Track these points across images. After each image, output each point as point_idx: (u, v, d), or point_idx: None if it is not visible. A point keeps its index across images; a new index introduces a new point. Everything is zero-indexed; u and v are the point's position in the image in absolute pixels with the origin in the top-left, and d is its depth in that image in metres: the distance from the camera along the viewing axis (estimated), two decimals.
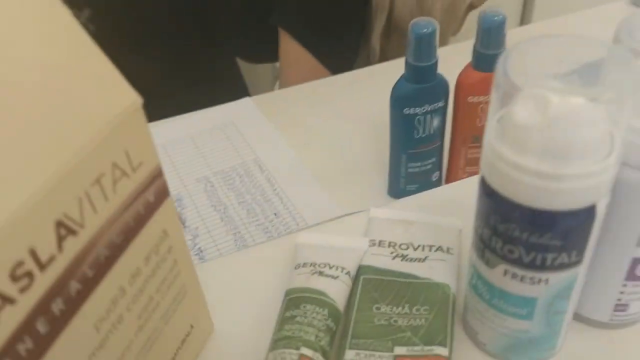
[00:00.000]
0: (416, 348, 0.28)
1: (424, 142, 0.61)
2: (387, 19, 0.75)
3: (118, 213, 0.22)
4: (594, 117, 0.22)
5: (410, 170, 0.54)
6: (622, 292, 0.28)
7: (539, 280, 0.25)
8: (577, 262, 0.24)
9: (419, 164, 0.55)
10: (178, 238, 0.27)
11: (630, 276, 0.27)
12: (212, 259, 0.35)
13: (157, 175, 0.25)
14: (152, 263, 0.25)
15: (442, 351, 0.28)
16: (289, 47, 0.78)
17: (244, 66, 0.96)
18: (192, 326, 0.30)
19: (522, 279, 0.25)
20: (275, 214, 0.56)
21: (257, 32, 0.83)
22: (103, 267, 0.22)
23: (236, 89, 0.91)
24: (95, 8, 0.75)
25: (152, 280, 0.25)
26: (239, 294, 0.33)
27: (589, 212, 0.23)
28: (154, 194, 0.24)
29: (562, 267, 0.24)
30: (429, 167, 0.54)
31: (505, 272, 0.25)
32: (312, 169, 0.62)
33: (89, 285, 0.21)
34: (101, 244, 0.22)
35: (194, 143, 0.68)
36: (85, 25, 0.22)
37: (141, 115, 0.23)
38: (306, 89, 0.74)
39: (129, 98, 0.22)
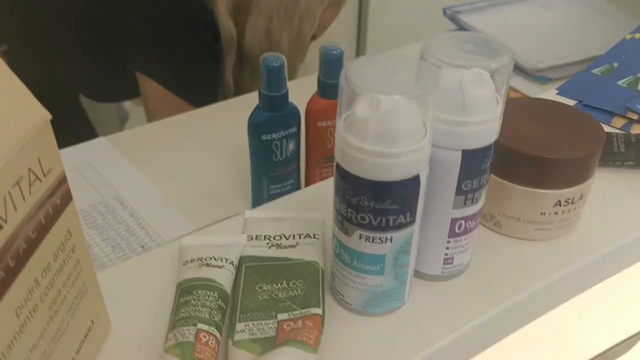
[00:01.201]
0: (295, 312, 0.34)
1: (282, 165, 0.68)
2: (239, 52, 0.81)
3: (33, 212, 0.26)
4: (410, 110, 0.30)
5: (271, 192, 0.58)
6: (447, 248, 0.36)
7: (385, 239, 0.32)
8: (411, 222, 0.32)
9: (279, 185, 0.59)
10: (80, 239, 0.30)
11: (452, 234, 0.35)
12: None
13: (62, 180, 0.28)
14: (59, 259, 0.28)
15: (317, 310, 0.34)
16: (152, 89, 0.81)
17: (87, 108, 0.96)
18: (93, 322, 0.33)
19: (372, 240, 0.32)
20: (142, 247, 0.58)
21: (111, 73, 0.85)
22: (22, 258, 0.25)
23: (85, 130, 0.92)
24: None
25: (60, 275, 0.29)
26: (129, 297, 0.37)
27: (415, 181, 0.31)
28: (60, 197, 0.28)
29: (401, 226, 0.32)
30: (288, 187, 0.59)
31: (360, 237, 0.32)
32: (177, 201, 0.65)
33: (11, 274, 0.24)
34: (20, 238, 0.25)
35: None
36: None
37: (49, 127, 0.27)
38: (160, 125, 0.78)
39: (40, 113, 0.26)
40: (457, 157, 0.32)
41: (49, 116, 0.26)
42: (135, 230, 0.68)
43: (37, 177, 0.26)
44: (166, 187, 0.68)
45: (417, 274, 0.37)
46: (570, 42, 0.74)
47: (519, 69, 0.73)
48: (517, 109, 0.42)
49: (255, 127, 0.64)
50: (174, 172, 0.71)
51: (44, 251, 0.27)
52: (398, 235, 0.32)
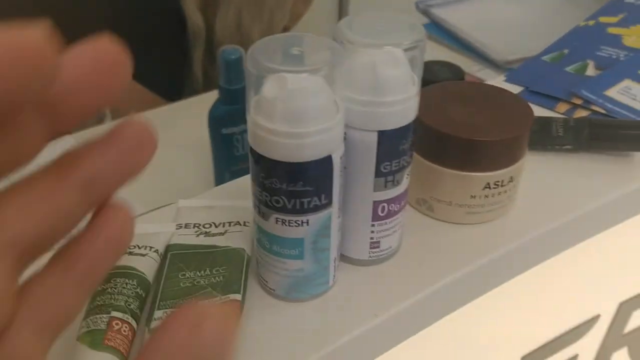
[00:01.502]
0: (215, 298, 0.33)
1: (244, 158, 0.67)
2: (209, 45, 0.81)
3: None
4: (319, 89, 0.29)
5: None
6: (372, 232, 0.36)
7: (302, 222, 0.31)
8: (328, 204, 0.32)
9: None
10: None
11: (375, 217, 0.35)
12: None
13: None
14: None
15: (236, 297, 0.33)
16: None
17: None
18: None
19: (289, 223, 0.31)
20: None
21: None
22: None
23: None
24: None
25: None
26: None
27: (327, 161, 0.30)
28: None
29: (317, 208, 0.31)
30: None
31: (277, 220, 0.32)
32: (139, 198, 0.64)
33: None
34: None
35: None
36: None
37: None
38: None
39: None
40: (374, 138, 0.32)
41: None
42: None
43: None
44: (128, 185, 0.68)
45: (345, 258, 0.37)
46: (542, 34, 0.74)
47: (489, 62, 0.73)
48: (449, 92, 0.41)
49: (216, 120, 0.63)
50: None
51: None
52: (315, 218, 0.32)
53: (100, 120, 1.17)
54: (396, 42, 0.31)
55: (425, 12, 0.81)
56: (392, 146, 0.33)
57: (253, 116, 0.30)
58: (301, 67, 0.29)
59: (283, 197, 0.31)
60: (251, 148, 0.31)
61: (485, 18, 0.81)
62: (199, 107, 0.68)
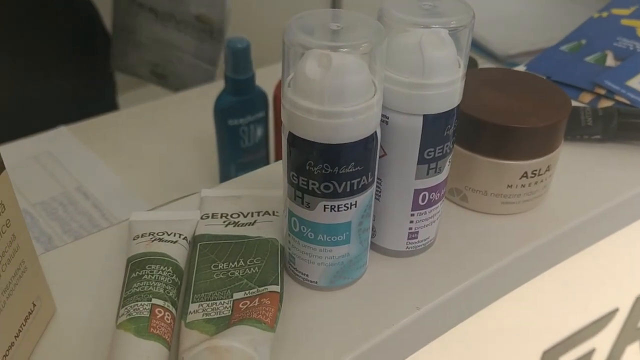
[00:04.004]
0: (252, 290, 0.32)
1: (251, 151, 0.66)
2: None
3: None
4: (359, 67, 0.28)
5: None
6: (411, 222, 0.34)
7: (351, 205, 0.30)
8: (372, 182, 0.31)
9: (248, 172, 0.58)
10: (15, 213, 0.28)
11: (416, 206, 0.34)
12: (44, 254, 0.36)
13: None
14: None
15: (275, 288, 0.32)
16: None
17: None
18: (34, 304, 0.30)
19: (338, 208, 0.30)
20: None
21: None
22: None
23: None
24: None
25: None
26: (76, 278, 0.34)
27: (374, 138, 0.29)
28: None
29: (364, 188, 0.30)
30: None
31: (325, 208, 0.30)
32: (142, 191, 0.62)
33: None
34: None
35: None
36: None
37: None
38: (123, 113, 0.75)
39: None
40: (419, 122, 0.31)
41: None
42: (98, 221, 0.65)
43: None
44: (131, 177, 0.66)
45: (380, 249, 0.36)
46: (542, 28, 0.74)
47: (490, 56, 0.72)
48: (481, 78, 0.40)
49: (222, 112, 0.61)
50: (138, 161, 0.69)
51: None
52: (362, 199, 0.31)
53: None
54: (443, 22, 0.30)
55: None
56: (436, 131, 0.31)
57: (294, 99, 0.28)
58: (343, 43, 0.27)
59: (334, 182, 0.29)
60: (294, 136, 0.29)
61: (486, 13, 0.81)
62: (203, 98, 0.67)
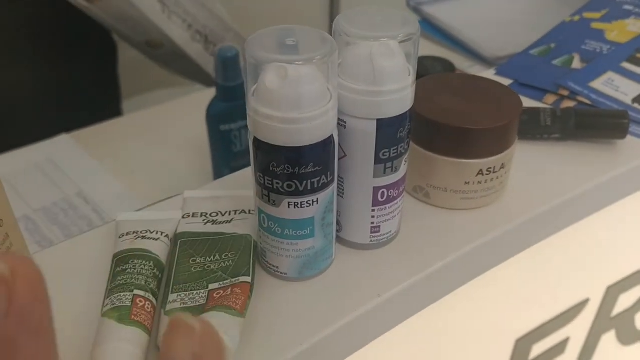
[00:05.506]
0: (226, 281, 0.35)
1: (243, 155, 0.68)
2: None
3: None
4: (313, 77, 0.31)
5: None
6: (373, 217, 0.38)
7: (313, 202, 0.33)
8: (332, 181, 0.34)
9: None
10: (6, 212, 0.31)
11: (376, 202, 0.37)
12: (38, 253, 0.39)
13: None
14: None
15: (246, 279, 0.35)
16: None
17: None
18: None
19: (301, 205, 0.33)
20: None
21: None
22: None
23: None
24: None
25: None
26: (68, 275, 0.38)
27: (330, 141, 0.33)
28: None
29: (324, 186, 0.33)
30: None
31: (289, 205, 0.33)
32: (141, 196, 0.65)
33: None
34: None
35: (9, 183, 0.67)
36: None
37: None
38: (123, 120, 0.78)
39: None
40: (373, 126, 0.34)
41: None
42: (98, 225, 0.68)
43: None
44: (130, 182, 0.69)
45: (347, 243, 0.39)
46: (530, 30, 0.76)
47: (480, 58, 0.75)
48: (442, 84, 0.43)
49: (213, 117, 0.65)
50: (137, 166, 0.72)
51: None
52: (323, 196, 0.34)
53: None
54: (392, 34, 0.33)
55: (416, 10, 0.83)
56: (390, 134, 0.35)
57: (257, 107, 0.32)
58: (298, 56, 0.31)
59: (296, 181, 0.33)
60: (257, 140, 0.33)
61: (476, 15, 0.83)
62: (196, 104, 0.70)
